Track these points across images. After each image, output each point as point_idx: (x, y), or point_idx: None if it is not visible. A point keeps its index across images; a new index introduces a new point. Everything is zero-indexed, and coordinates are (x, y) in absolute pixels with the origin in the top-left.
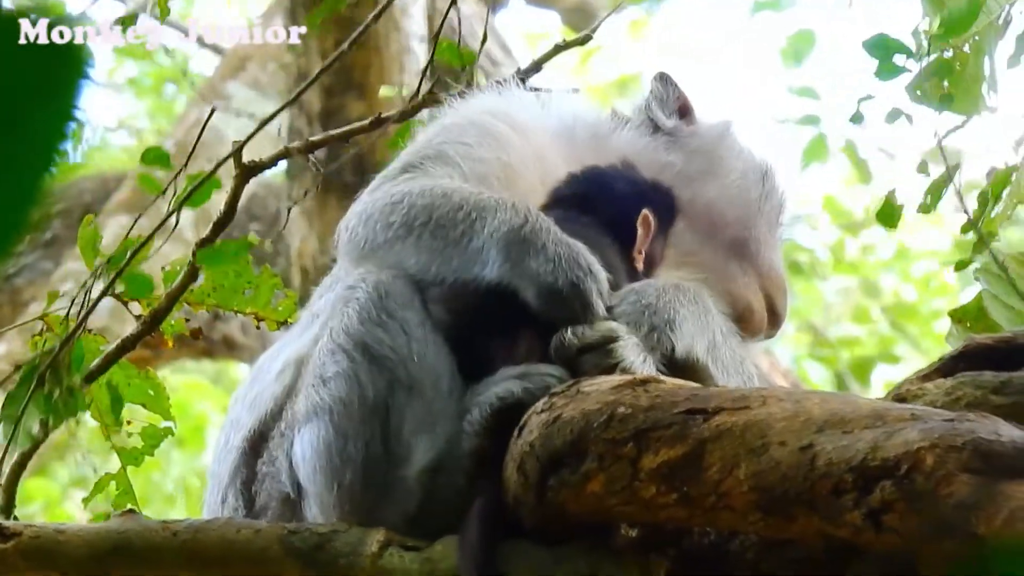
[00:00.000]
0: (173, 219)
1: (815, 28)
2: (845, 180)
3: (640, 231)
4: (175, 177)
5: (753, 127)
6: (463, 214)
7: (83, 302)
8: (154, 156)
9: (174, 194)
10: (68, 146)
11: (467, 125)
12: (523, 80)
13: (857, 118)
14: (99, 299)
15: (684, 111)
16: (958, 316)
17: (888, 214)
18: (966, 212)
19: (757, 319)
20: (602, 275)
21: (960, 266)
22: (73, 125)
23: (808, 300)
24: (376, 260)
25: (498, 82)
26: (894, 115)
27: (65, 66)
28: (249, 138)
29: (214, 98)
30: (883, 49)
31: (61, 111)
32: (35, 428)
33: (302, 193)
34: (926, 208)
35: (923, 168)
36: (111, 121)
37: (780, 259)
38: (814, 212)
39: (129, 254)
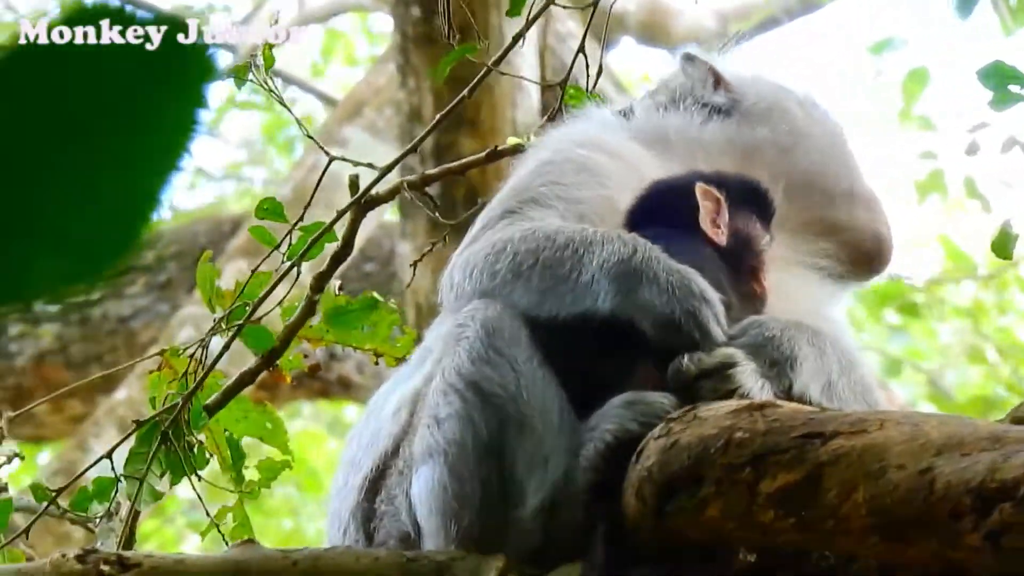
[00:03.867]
0: (294, 271)
1: (930, 64)
2: (961, 210)
3: (703, 204)
4: (291, 229)
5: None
6: (570, 251)
7: (202, 355)
8: (268, 208)
9: (289, 244)
10: (187, 155)
11: (561, 162)
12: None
13: (973, 148)
14: (219, 357)
15: (717, 82)
16: None
17: (1003, 244)
18: None
19: (886, 247)
20: (716, 300)
21: None
22: (198, 128)
23: (923, 343)
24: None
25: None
26: (1009, 144)
27: (190, 67)
28: (370, 187)
29: (330, 143)
30: (998, 77)
31: (185, 113)
32: (158, 485)
33: (427, 243)
34: None
35: None
36: (218, 168)
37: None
38: (931, 251)
39: (250, 309)
